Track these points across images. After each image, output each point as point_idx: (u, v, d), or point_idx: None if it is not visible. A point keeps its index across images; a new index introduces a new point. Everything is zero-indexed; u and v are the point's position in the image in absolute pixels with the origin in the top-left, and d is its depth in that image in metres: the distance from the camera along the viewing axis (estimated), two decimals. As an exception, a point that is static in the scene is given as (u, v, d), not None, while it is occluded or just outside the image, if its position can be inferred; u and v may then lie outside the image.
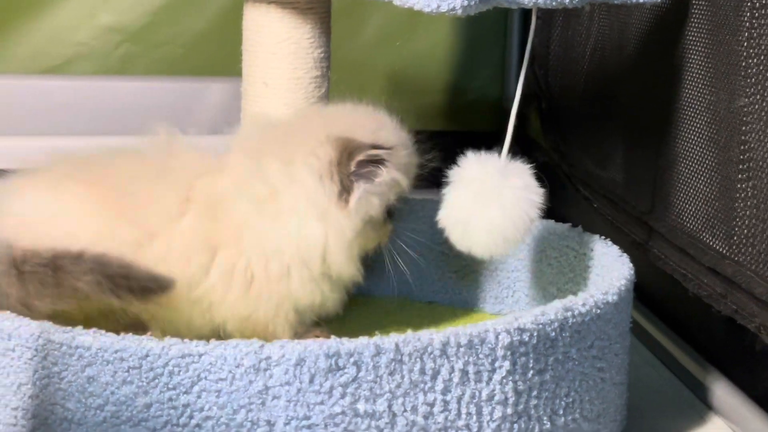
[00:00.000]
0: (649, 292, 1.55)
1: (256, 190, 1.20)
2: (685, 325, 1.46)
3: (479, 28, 2.20)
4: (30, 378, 1.02)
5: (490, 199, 1.20)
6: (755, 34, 1.23)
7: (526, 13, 2.11)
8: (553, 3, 1.21)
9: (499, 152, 1.26)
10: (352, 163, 1.20)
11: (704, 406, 1.31)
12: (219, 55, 2.08)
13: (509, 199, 1.20)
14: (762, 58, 1.21)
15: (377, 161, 1.21)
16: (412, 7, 1.17)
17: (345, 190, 1.21)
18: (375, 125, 1.26)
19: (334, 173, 1.20)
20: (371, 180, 1.22)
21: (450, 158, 1.97)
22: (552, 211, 1.30)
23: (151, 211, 1.18)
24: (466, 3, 1.15)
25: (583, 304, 1.11)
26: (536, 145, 2.00)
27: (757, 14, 1.22)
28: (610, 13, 1.67)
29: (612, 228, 1.60)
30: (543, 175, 1.26)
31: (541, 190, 1.22)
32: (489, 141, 2.28)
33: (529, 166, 1.24)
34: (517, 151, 1.38)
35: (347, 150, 1.20)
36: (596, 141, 1.73)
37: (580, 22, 1.81)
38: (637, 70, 1.57)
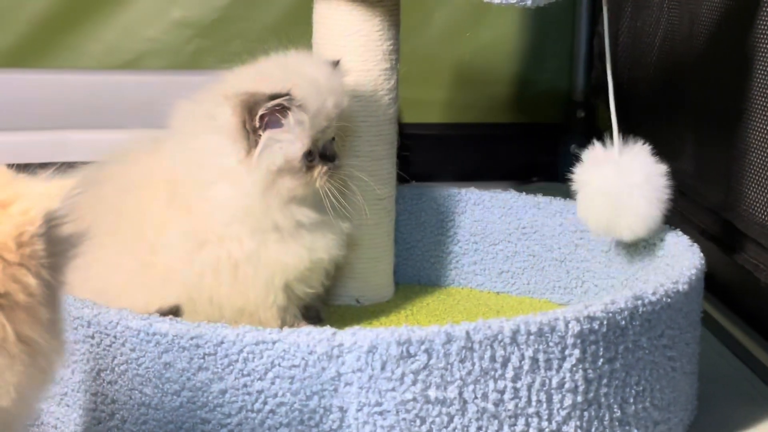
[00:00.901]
0: (720, 283, 1.54)
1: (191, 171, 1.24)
2: (757, 315, 1.45)
3: (547, 20, 2.20)
4: (109, 364, 1.04)
5: (621, 203, 1.29)
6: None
7: (594, 4, 2.11)
8: (623, -7, 1.21)
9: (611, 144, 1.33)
10: (255, 119, 1.20)
11: (774, 394, 1.31)
12: (289, 48, 2.09)
13: (638, 198, 1.28)
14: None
15: (281, 110, 1.21)
16: (481, -1, 1.18)
17: (252, 145, 1.21)
18: (280, 73, 1.25)
19: (238, 131, 1.21)
20: (277, 126, 1.22)
21: (519, 150, 1.98)
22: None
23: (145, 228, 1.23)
24: (535, -6, 1.15)
25: (653, 293, 1.11)
26: (604, 137, 1.99)
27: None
28: (680, 4, 1.66)
29: (682, 219, 1.59)
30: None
31: (663, 169, 1.31)
32: (557, 132, 2.28)
33: (641, 149, 1.32)
34: (584, 142, 1.39)
35: (245, 106, 1.20)
36: (665, 132, 1.72)
37: (649, 13, 1.81)
38: (707, 60, 1.56)
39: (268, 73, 1.25)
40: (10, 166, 1.54)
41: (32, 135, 1.72)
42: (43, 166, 1.65)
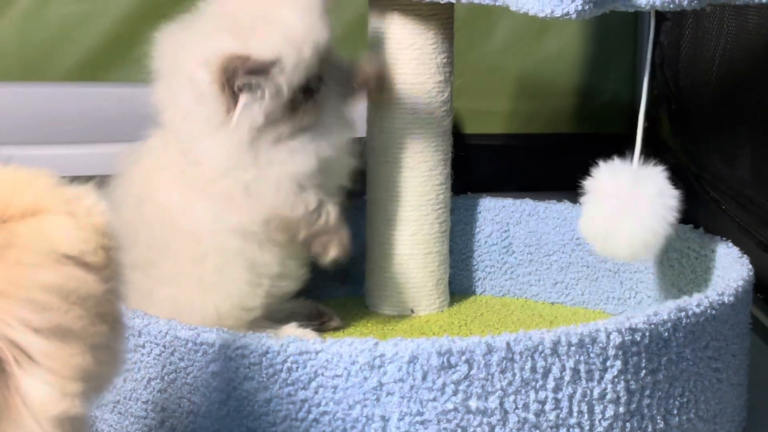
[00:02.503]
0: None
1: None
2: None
3: (609, 30, 2.20)
4: (159, 373, 1.07)
5: (627, 210, 1.25)
6: None
7: (657, 14, 2.10)
8: (671, 5, 1.21)
9: (631, 157, 1.29)
10: (234, 86, 1.21)
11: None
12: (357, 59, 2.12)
13: (645, 208, 1.24)
14: None
15: (256, 72, 1.22)
16: (527, 12, 1.19)
17: (231, 108, 1.22)
18: (252, 24, 1.25)
19: (217, 95, 1.22)
20: (257, 90, 1.23)
21: (582, 161, 1.99)
22: (681, 213, 1.30)
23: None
24: (580, 8, 1.16)
25: (698, 305, 1.11)
26: (667, 148, 1.99)
27: None
28: (740, 14, 1.66)
29: (740, 230, 1.59)
30: (674, 178, 1.29)
31: (676, 193, 1.26)
32: (621, 144, 2.27)
33: (661, 169, 1.28)
34: (648, 153, 1.39)
35: (224, 73, 1.21)
36: (725, 142, 1.72)
37: (710, 23, 1.80)
38: (762, 70, 1.56)
39: (242, 23, 1.25)
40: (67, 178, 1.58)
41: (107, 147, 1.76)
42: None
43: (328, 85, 1.30)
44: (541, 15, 1.17)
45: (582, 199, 1.30)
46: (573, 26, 2.21)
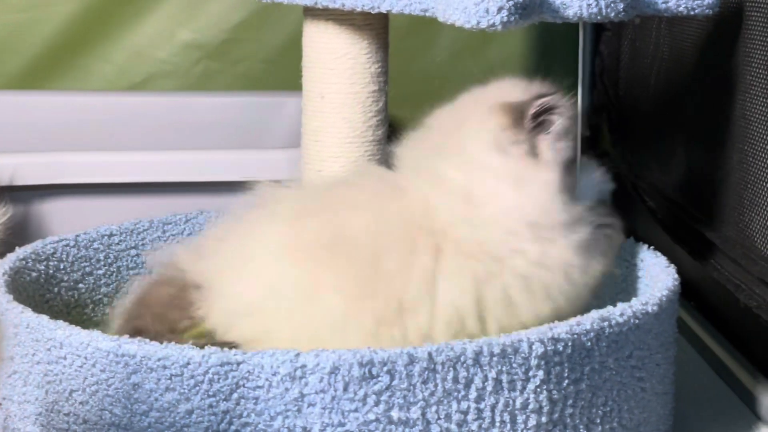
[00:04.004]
0: (708, 302, 1.55)
1: (453, 202, 1.15)
2: (741, 335, 1.45)
3: (553, 40, 2.21)
4: (80, 385, 1.07)
5: None
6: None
7: (598, 25, 2.12)
8: (598, 17, 1.22)
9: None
10: (527, 119, 1.16)
11: (754, 416, 1.31)
12: (298, 70, 2.12)
13: None
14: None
15: (548, 109, 1.17)
16: (454, 23, 1.19)
17: (531, 149, 1.16)
18: (524, 85, 1.23)
19: (513, 138, 1.16)
20: (549, 130, 1.17)
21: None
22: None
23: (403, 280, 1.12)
24: (506, 19, 1.16)
25: (621, 315, 1.12)
26: (607, 156, 2.00)
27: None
28: (672, 24, 1.67)
29: (674, 238, 1.60)
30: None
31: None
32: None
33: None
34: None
35: (516, 109, 1.17)
36: (662, 151, 1.73)
37: (647, 33, 1.82)
38: (696, 81, 1.57)
39: (517, 83, 1.23)
40: (10, 188, 1.57)
41: (44, 157, 1.76)
42: (42, 188, 1.69)
43: None
44: (467, 26, 1.18)
45: None
46: (517, 36, 2.22)
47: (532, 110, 1.17)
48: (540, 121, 1.17)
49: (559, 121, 1.18)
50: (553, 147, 1.17)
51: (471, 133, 1.18)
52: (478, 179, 1.15)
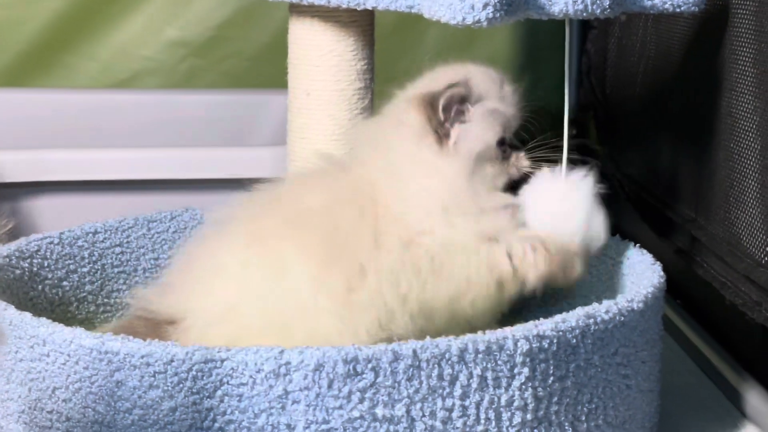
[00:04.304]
0: (694, 300, 1.55)
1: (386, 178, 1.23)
2: (727, 333, 1.46)
3: (539, 38, 2.21)
4: (64, 382, 1.06)
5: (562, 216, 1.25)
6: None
7: (584, 22, 2.12)
8: (584, 14, 1.22)
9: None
10: (439, 111, 1.21)
11: (740, 414, 1.31)
12: (283, 67, 2.12)
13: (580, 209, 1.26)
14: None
15: (460, 99, 1.22)
16: (440, 19, 1.19)
17: (443, 138, 1.22)
18: (452, 74, 1.27)
19: (427, 128, 1.21)
20: (463, 119, 1.23)
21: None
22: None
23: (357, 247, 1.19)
24: (491, 15, 1.16)
25: (606, 312, 1.12)
26: (594, 155, 2.00)
27: (789, 22, 1.22)
28: (659, 22, 1.67)
29: (660, 236, 1.60)
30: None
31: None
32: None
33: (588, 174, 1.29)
34: (577, 160, 1.40)
35: (427, 101, 1.22)
36: (646, 150, 1.73)
37: (634, 32, 1.82)
38: (682, 79, 1.57)
39: (442, 73, 1.28)
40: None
41: (29, 154, 1.75)
42: (26, 185, 1.69)
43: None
44: (453, 22, 1.17)
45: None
46: (503, 34, 2.22)
47: (442, 101, 1.21)
48: (453, 110, 1.22)
49: (473, 110, 1.23)
50: (465, 136, 1.22)
51: (395, 123, 1.24)
52: (400, 164, 1.22)
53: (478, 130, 1.23)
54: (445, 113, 1.22)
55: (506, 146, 1.27)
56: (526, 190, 1.28)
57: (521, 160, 1.27)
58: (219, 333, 1.15)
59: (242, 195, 1.26)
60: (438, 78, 1.27)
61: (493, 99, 1.26)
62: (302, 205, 1.21)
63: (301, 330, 1.11)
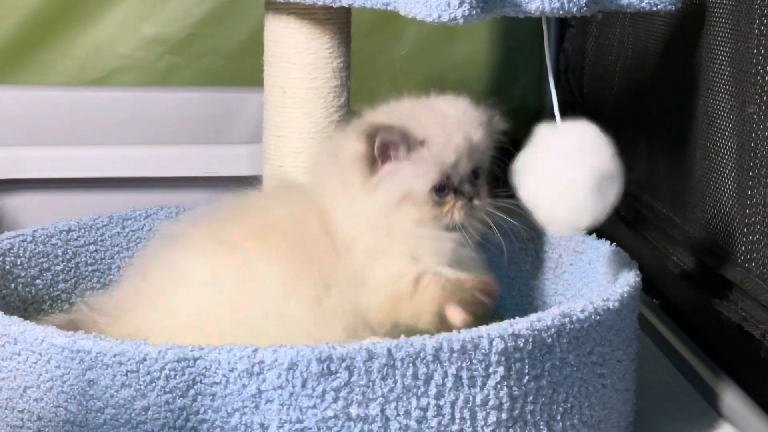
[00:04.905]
0: (671, 299, 1.55)
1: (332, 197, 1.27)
2: (703, 332, 1.45)
3: (517, 36, 2.21)
4: (35, 381, 1.05)
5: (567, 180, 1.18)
6: (764, 42, 1.22)
7: (562, 21, 2.12)
8: (560, 11, 1.21)
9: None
10: (375, 148, 1.22)
11: (715, 413, 1.31)
12: (261, 65, 2.11)
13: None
14: (770, 65, 1.21)
15: (401, 141, 1.23)
16: (416, 16, 1.18)
17: (372, 174, 1.23)
18: (408, 108, 1.28)
19: (363, 161, 1.23)
20: (395, 157, 1.23)
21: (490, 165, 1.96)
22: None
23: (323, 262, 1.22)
24: (467, 12, 1.16)
25: (582, 311, 1.11)
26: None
27: (765, 21, 1.22)
28: (637, 22, 1.67)
29: (637, 235, 1.60)
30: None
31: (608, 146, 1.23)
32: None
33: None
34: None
35: (367, 135, 1.23)
36: (624, 149, 1.72)
37: (611, 30, 1.81)
38: (660, 78, 1.57)
39: (399, 108, 1.29)
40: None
41: (4, 152, 1.74)
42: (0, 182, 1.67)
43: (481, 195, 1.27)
44: (428, 20, 1.17)
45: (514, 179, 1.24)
46: (481, 32, 2.21)
47: (378, 139, 1.23)
48: (389, 149, 1.23)
49: (409, 154, 1.23)
50: (391, 177, 1.23)
51: (341, 147, 1.26)
52: (335, 188, 1.25)
53: (407, 174, 1.23)
54: (379, 150, 1.23)
55: (448, 191, 1.25)
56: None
57: (459, 211, 1.25)
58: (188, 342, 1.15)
59: (198, 210, 1.30)
60: (394, 111, 1.28)
61: (437, 145, 1.24)
62: (268, 217, 1.25)
63: (272, 337, 1.10)
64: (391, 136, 1.23)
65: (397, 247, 1.23)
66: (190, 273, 1.21)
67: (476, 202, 1.26)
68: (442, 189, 1.24)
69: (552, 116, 1.25)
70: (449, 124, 1.26)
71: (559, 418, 1.10)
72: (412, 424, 1.03)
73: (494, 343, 1.05)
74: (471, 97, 1.32)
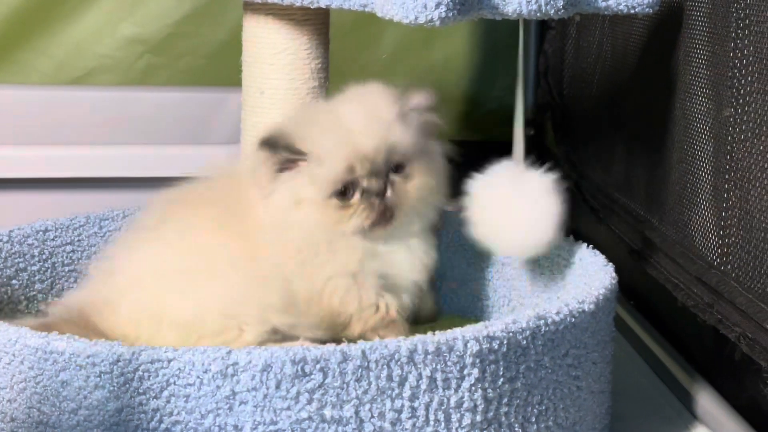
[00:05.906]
0: (647, 301, 1.55)
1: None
2: (679, 334, 1.46)
3: (496, 38, 2.21)
4: (8, 382, 1.05)
5: (514, 209, 1.27)
6: (740, 45, 1.23)
7: (542, 23, 2.12)
8: (538, 14, 1.22)
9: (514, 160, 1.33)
10: (273, 163, 1.24)
11: (691, 415, 1.31)
12: (240, 65, 2.11)
13: (532, 206, 1.27)
14: (746, 69, 1.21)
15: (291, 154, 1.24)
16: (392, 18, 1.18)
17: (266, 182, 1.25)
18: (307, 118, 1.29)
19: (260, 167, 1.25)
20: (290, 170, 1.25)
21: (468, 169, 1.98)
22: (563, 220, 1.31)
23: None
24: (444, 15, 1.16)
25: (557, 313, 1.11)
26: (551, 156, 2.00)
27: (742, 24, 1.22)
28: (616, 24, 1.67)
29: (614, 237, 1.60)
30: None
31: (558, 189, 1.29)
32: (507, 151, 2.29)
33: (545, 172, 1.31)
34: (533, 161, 1.40)
35: (262, 143, 1.24)
36: (602, 151, 1.73)
37: (591, 33, 1.82)
38: (638, 80, 1.57)
39: (303, 115, 1.31)
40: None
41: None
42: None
43: (398, 192, 1.26)
44: (405, 21, 1.17)
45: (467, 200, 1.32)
46: (460, 34, 2.21)
47: (268, 149, 1.24)
48: (281, 159, 1.24)
49: (299, 164, 1.24)
50: (279, 187, 1.24)
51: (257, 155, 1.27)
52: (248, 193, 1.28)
53: (297, 183, 1.24)
54: (270, 161, 1.24)
55: (352, 194, 1.24)
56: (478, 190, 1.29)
57: (359, 215, 1.24)
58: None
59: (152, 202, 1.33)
60: (297, 119, 1.29)
61: (322, 157, 1.24)
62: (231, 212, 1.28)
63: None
64: (273, 149, 1.24)
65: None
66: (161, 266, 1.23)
67: (389, 194, 1.25)
68: (344, 193, 1.24)
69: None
70: (340, 133, 1.25)
71: (533, 420, 1.10)
72: (387, 426, 1.03)
73: (469, 345, 1.05)
74: (397, 86, 1.31)
